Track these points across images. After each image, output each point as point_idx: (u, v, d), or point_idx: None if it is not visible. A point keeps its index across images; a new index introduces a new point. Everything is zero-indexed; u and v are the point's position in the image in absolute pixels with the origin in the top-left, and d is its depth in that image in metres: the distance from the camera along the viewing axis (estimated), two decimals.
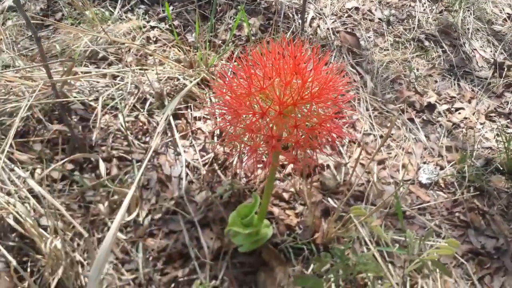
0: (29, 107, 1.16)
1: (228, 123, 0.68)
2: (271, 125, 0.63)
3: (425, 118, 1.42)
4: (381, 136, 1.30)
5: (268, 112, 0.61)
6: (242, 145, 0.68)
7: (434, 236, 1.10)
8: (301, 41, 0.66)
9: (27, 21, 0.84)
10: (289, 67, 0.63)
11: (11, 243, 0.91)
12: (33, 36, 0.87)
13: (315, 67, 0.64)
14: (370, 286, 0.92)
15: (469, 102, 1.51)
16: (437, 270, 0.95)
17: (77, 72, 1.28)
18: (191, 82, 1.26)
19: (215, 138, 1.22)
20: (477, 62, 1.67)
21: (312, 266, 0.95)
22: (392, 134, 1.33)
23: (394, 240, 1.03)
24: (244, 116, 0.64)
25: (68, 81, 1.22)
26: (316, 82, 0.63)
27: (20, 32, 1.50)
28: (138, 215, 1.02)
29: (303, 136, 0.63)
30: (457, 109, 1.47)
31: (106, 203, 1.01)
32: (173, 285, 0.91)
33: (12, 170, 0.99)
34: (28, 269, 0.89)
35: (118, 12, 1.58)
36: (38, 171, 1.04)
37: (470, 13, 1.83)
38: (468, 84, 1.58)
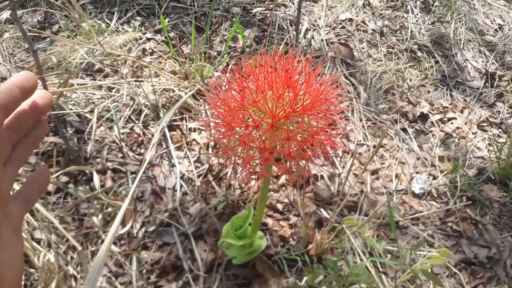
0: None
1: (221, 136, 0.68)
2: (264, 137, 0.64)
3: (418, 128, 1.44)
4: (374, 146, 1.31)
5: (261, 125, 0.62)
6: (236, 157, 0.69)
7: (427, 246, 1.10)
8: (293, 54, 0.67)
9: (23, 33, 0.85)
10: (281, 80, 0.64)
11: None
12: (29, 48, 0.88)
13: (306, 80, 0.65)
14: None
15: (462, 112, 1.53)
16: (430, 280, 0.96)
17: (73, 84, 1.29)
18: (186, 93, 1.27)
19: (210, 149, 1.22)
20: (469, 72, 1.69)
21: (305, 277, 0.95)
22: (385, 144, 1.34)
23: (387, 251, 1.04)
24: (238, 128, 0.65)
25: (64, 93, 1.23)
26: (308, 94, 0.64)
27: (17, 44, 1.51)
28: (132, 228, 1.02)
29: (295, 148, 0.64)
30: (449, 119, 1.49)
31: (100, 216, 1.01)
32: None
33: None
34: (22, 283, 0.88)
35: (115, 24, 1.60)
36: None
37: (462, 24, 1.86)
38: (460, 94, 1.60)
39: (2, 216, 0.32)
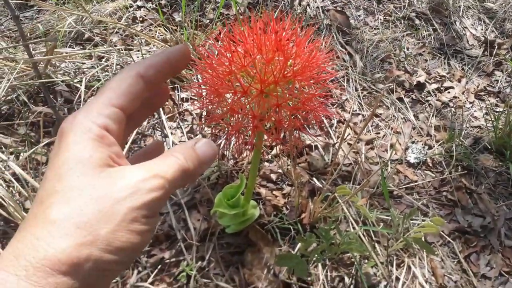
0: (13, 89, 1.14)
1: (210, 103, 0.66)
2: (252, 104, 0.62)
3: (414, 97, 1.41)
4: None
5: (249, 91, 0.60)
6: (226, 126, 0.67)
7: (422, 216, 1.10)
8: (283, 15, 0.64)
9: (4, 0, 0.82)
10: (271, 43, 0.61)
11: None
12: (11, 15, 0.85)
13: (297, 43, 0.62)
14: (356, 265, 0.93)
15: (459, 81, 1.50)
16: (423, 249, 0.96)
17: (62, 53, 1.26)
18: None
19: (203, 119, 1.20)
20: (467, 41, 1.66)
21: (298, 246, 0.95)
22: (380, 114, 1.32)
23: (381, 220, 1.03)
24: (228, 95, 0.63)
25: (53, 62, 1.20)
26: (299, 58, 0.62)
27: (4, 13, 1.47)
28: None
29: (286, 116, 0.62)
30: (446, 88, 1.47)
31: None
32: (159, 266, 0.91)
33: None
34: None
35: None
36: (22, 154, 1.03)
37: None
38: (458, 63, 1.57)
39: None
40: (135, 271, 0.91)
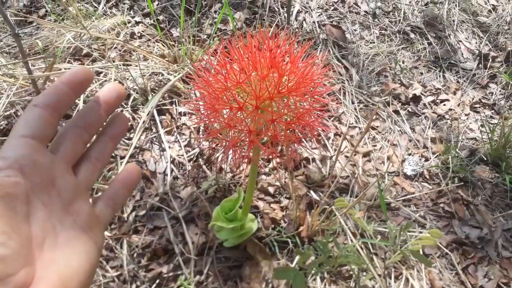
0: (12, 105, 1.15)
1: (206, 119, 0.67)
2: (248, 119, 0.63)
3: (410, 110, 1.43)
4: None
5: (245, 107, 0.61)
6: (222, 140, 0.68)
7: (419, 227, 1.11)
8: (278, 33, 0.65)
9: (4, 16, 0.83)
10: (265, 61, 0.62)
11: None
12: (11, 32, 0.86)
13: (291, 60, 0.64)
14: (354, 277, 0.93)
15: (454, 93, 1.52)
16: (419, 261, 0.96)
17: (61, 69, 1.27)
18: (175, 77, 1.25)
19: (201, 133, 1.21)
20: (462, 54, 1.68)
21: (296, 259, 0.95)
22: (377, 126, 1.33)
23: (379, 232, 1.04)
24: (224, 111, 0.64)
25: (51, 77, 1.21)
26: (293, 75, 0.63)
27: (3, 29, 1.49)
28: (122, 212, 1.01)
29: (281, 131, 0.63)
30: (442, 101, 1.48)
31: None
32: (157, 281, 0.91)
33: None
34: None
35: (103, 7, 1.57)
36: None
37: (455, 5, 1.84)
38: (453, 76, 1.59)
39: (64, 214, 0.31)
40: (134, 286, 0.91)
